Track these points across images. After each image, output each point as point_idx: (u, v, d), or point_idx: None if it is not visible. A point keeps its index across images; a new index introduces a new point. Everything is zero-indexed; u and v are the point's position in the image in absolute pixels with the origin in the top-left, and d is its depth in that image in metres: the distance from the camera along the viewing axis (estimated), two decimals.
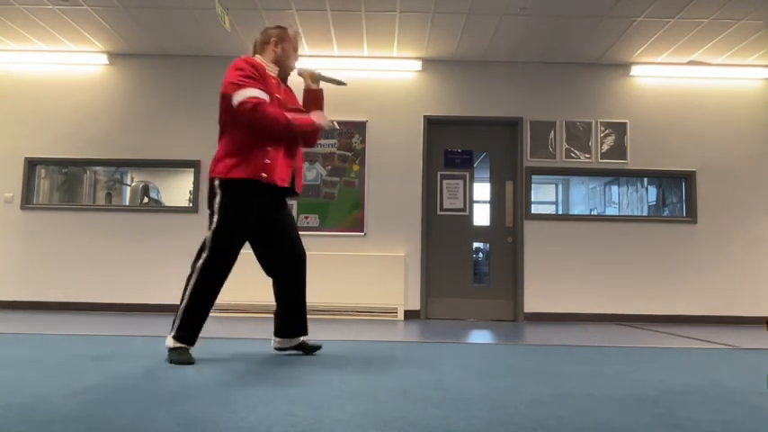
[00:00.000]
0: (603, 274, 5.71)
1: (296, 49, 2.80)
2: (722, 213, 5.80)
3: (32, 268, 5.69)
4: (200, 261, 2.43)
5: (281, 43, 2.73)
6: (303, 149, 2.80)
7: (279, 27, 2.80)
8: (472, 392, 1.93)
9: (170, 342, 2.44)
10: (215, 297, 2.46)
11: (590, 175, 6.27)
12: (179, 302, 2.47)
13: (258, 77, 2.54)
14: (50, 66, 5.92)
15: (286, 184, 2.58)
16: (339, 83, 2.89)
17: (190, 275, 2.45)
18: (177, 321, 2.43)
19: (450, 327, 4.82)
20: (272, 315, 2.75)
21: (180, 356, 2.40)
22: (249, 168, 2.45)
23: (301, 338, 2.76)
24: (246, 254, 5.92)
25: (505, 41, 5.45)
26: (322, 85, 2.90)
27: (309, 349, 2.78)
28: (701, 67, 5.82)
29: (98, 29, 5.33)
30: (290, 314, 2.70)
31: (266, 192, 2.53)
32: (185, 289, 2.45)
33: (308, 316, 5.48)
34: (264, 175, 2.46)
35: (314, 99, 2.85)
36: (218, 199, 2.47)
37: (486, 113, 5.86)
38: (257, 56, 2.75)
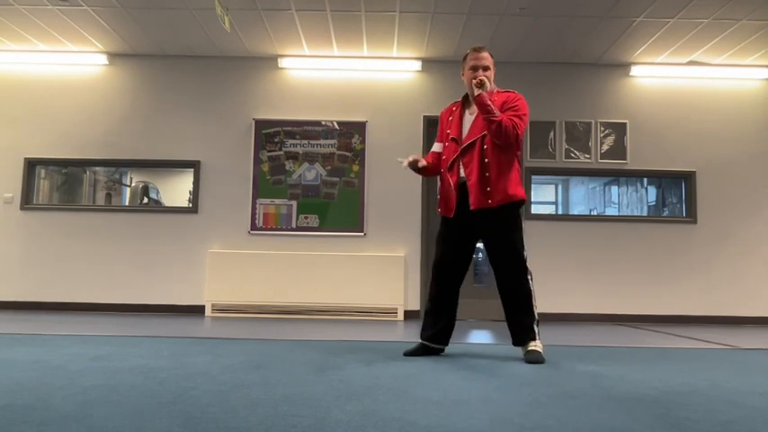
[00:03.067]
0: (604, 274, 5.70)
1: (473, 68, 2.82)
2: (722, 213, 5.80)
3: (32, 268, 5.69)
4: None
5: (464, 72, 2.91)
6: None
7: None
8: (472, 392, 1.93)
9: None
10: None
11: (590, 176, 6.27)
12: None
13: None
14: (50, 66, 5.91)
15: None
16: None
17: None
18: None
19: None
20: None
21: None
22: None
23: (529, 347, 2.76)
24: (248, 254, 5.85)
25: (505, 41, 5.45)
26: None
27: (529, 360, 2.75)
28: (700, 67, 5.82)
29: (98, 29, 5.33)
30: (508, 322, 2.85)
31: None
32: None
33: (308, 316, 5.51)
34: None
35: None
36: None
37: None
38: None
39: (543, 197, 8.17)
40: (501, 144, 2.71)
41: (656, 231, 5.78)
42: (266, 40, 5.53)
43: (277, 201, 5.76)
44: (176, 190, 7.24)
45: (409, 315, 5.56)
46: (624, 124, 5.87)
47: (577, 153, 5.84)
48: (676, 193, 6.08)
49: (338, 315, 5.48)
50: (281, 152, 5.81)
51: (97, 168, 6.54)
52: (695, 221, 5.79)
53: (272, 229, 5.71)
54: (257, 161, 5.80)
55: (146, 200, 6.82)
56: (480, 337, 4.04)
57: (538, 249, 5.73)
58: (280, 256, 5.56)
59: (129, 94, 5.91)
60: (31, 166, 5.85)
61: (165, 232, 5.73)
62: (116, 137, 5.85)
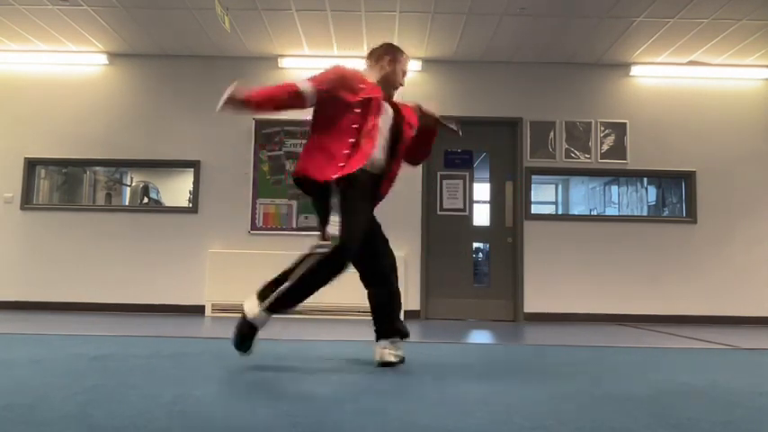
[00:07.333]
0: (603, 274, 5.70)
1: (405, 72, 3.08)
2: (722, 213, 5.80)
3: (32, 268, 5.69)
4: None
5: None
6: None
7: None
8: (472, 392, 1.93)
9: (253, 311, 2.51)
10: None
11: (590, 175, 6.28)
12: (280, 282, 2.55)
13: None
14: (50, 66, 5.91)
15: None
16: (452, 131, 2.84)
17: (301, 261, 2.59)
18: (273, 296, 2.51)
19: (450, 327, 4.82)
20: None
21: None
22: None
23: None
24: (248, 254, 5.85)
25: (505, 41, 5.45)
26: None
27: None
28: (700, 67, 5.82)
29: (98, 29, 5.33)
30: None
31: None
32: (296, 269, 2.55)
33: (309, 316, 5.51)
34: None
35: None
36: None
37: (486, 113, 5.86)
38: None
39: (543, 197, 8.18)
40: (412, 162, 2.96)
41: (656, 231, 5.78)
42: (266, 40, 5.53)
43: (277, 201, 5.76)
44: (176, 190, 7.24)
45: (409, 315, 5.56)
46: (624, 124, 5.87)
47: (577, 153, 5.84)
48: (676, 193, 6.08)
49: (338, 315, 5.48)
50: (281, 152, 5.81)
51: (97, 168, 6.54)
52: (695, 221, 5.79)
53: (272, 229, 5.70)
54: (257, 161, 5.80)
55: (146, 200, 6.82)
56: (480, 337, 4.05)
57: (538, 249, 5.74)
58: (280, 256, 5.50)
59: (129, 94, 5.91)
60: (31, 166, 5.85)
61: (165, 232, 5.73)
62: (116, 137, 5.85)
